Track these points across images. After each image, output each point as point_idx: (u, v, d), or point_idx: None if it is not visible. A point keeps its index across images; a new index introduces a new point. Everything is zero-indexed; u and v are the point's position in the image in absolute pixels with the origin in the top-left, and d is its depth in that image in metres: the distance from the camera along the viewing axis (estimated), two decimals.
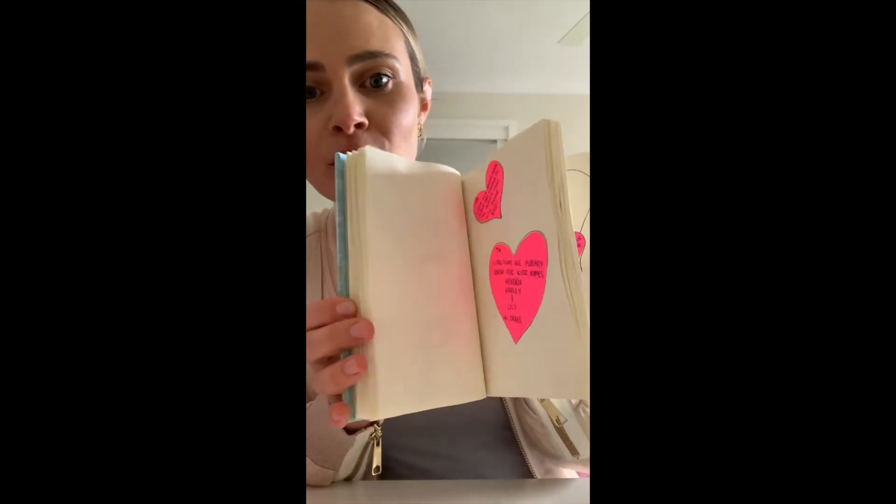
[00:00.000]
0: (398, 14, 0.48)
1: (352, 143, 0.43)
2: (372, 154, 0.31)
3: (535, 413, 0.48)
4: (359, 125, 0.43)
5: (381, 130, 0.45)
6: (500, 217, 0.32)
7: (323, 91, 0.44)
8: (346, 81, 0.43)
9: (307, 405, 0.43)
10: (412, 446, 0.51)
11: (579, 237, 0.32)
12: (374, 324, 0.29)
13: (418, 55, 0.51)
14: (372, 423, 0.43)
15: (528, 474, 0.51)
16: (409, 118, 0.46)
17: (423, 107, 0.53)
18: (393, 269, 0.31)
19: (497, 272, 0.32)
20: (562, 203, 0.27)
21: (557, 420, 0.46)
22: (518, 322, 0.30)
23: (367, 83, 0.44)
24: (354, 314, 0.29)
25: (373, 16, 0.45)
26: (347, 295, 0.30)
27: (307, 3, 0.43)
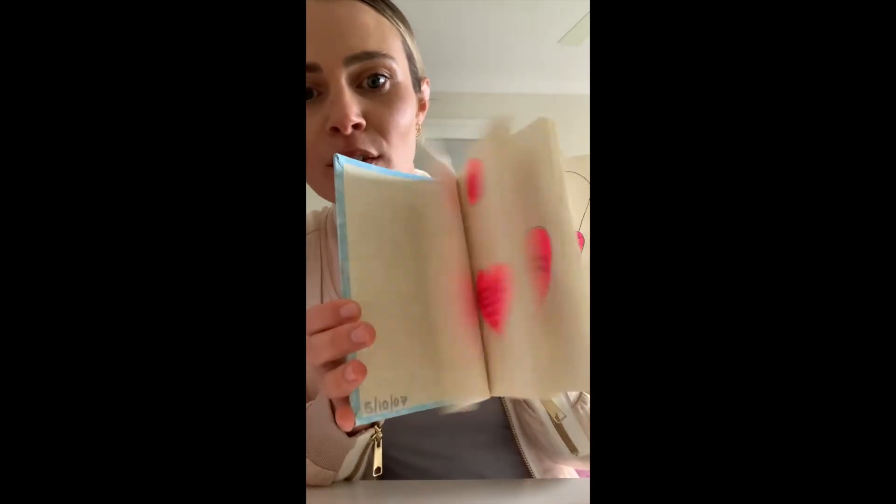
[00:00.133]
0: (395, 14, 0.48)
1: (349, 144, 0.43)
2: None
3: (534, 411, 0.48)
4: (356, 126, 0.43)
5: (378, 131, 0.44)
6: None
7: (320, 92, 0.44)
8: (344, 82, 0.43)
9: (307, 405, 0.43)
10: (411, 445, 0.51)
11: (579, 235, 0.32)
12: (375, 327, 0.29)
13: (416, 55, 0.51)
14: (373, 424, 0.43)
15: (527, 474, 0.51)
16: (406, 118, 0.46)
17: (422, 107, 0.53)
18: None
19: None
20: (562, 197, 0.28)
21: (556, 417, 0.46)
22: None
23: (365, 84, 0.44)
24: (357, 316, 0.29)
25: (369, 16, 0.45)
26: (350, 297, 0.30)
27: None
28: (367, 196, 0.32)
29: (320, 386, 0.30)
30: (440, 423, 0.50)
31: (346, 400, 0.29)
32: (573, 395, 0.46)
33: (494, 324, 0.32)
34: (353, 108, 0.42)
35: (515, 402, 0.50)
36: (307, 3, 0.43)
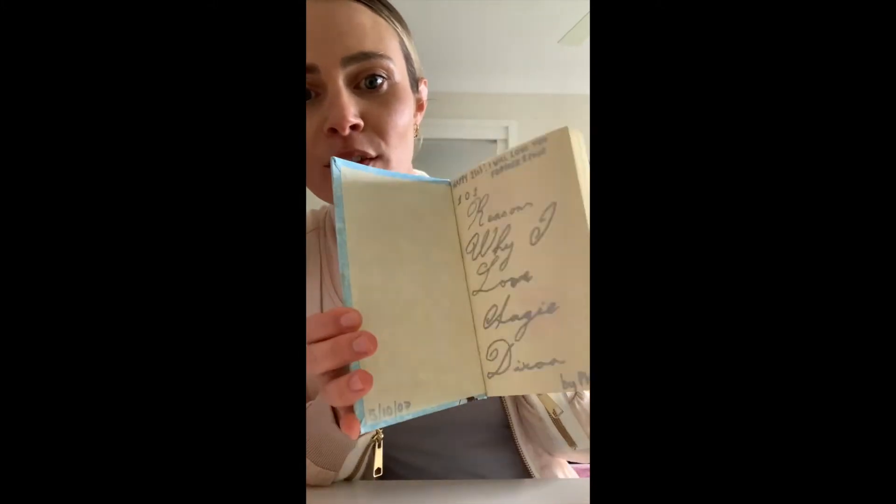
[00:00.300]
0: (392, 14, 0.48)
1: (348, 145, 0.43)
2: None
3: (532, 407, 0.48)
4: (354, 127, 0.43)
5: (376, 132, 0.44)
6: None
7: (318, 93, 0.44)
8: (341, 83, 0.43)
9: (307, 405, 0.43)
10: (411, 445, 0.51)
11: None
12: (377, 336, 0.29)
13: (413, 55, 0.51)
14: None
15: (526, 473, 0.51)
16: (404, 119, 0.46)
17: (419, 107, 0.53)
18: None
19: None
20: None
21: (554, 412, 0.46)
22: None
23: (362, 84, 0.44)
24: (358, 325, 0.29)
25: (366, 16, 0.45)
26: (351, 304, 0.29)
27: None
28: (365, 199, 0.32)
29: (322, 394, 0.29)
30: (440, 423, 0.50)
31: (349, 408, 0.29)
32: (569, 392, 0.46)
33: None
34: (351, 109, 0.42)
35: (515, 400, 0.50)
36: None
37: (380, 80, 0.45)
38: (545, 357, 0.29)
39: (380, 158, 0.45)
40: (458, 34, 2.38)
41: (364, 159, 0.44)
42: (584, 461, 0.52)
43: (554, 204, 0.29)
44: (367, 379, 0.27)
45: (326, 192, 0.46)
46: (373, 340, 0.28)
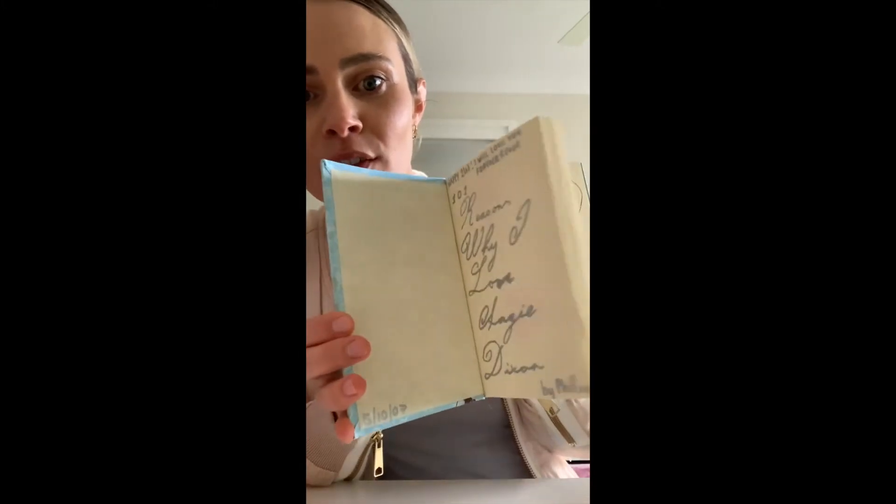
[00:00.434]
0: (391, 15, 0.48)
1: (346, 146, 0.43)
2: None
3: (531, 406, 0.49)
4: (353, 128, 0.43)
5: (375, 133, 0.44)
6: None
7: (316, 94, 0.44)
8: (340, 84, 0.43)
9: (307, 405, 0.43)
10: (411, 445, 0.51)
11: None
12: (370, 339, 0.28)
13: (412, 56, 0.51)
14: None
15: (526, 473, 0.51)
16: (403, 120, 0.46)
17: (418, 108, 0.53)
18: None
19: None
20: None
21: (551, 410, 0.47)
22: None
23: (361, 86, 0.44)
24: (351, 330, 0.28)
25: (365, 18, 0.45)
26: (344, 308, 0.29)
27: None
28: (357, 201, 0.31)
29: (317, 398, 0.29)
30: (440, 423, 0.50)
31: (344, 412, 0.28)
32: (549, 397, 0.46)
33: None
34: (350, 111, 0.42)
35: (516, 399, 0.50)
36: None
37: (378, 82, 0.45)
38: (527, 361, 0.28)
39: (378, 160, 0.45)
40: (458, 34, 2.38)
41: (363, 160, 0.44)
42: (583, 458, 0.52)
43: (528, 201, 0.28)
44: (361, 383, 0.27)
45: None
46: (366, 345, 0.28)
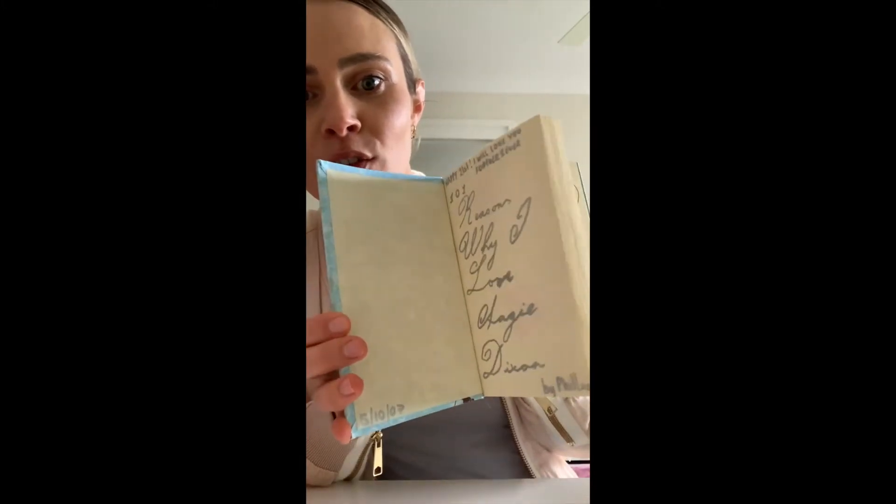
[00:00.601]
0: (389, 16, 0.48)
1: (345, 146, 0.43)
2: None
3: (529, 406, 0.49)
4: (351, 128, 0.43)
5: (373, 133, 0.44)
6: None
7: (315, 94, 0.44)
8: (338, 84, 0.43)
9: (307, 405, 0.43)
10: (411, 445, 0.51)
11: None
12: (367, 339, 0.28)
13: (410, 56, 0.51)
14: None
15: (526, 473, 0.51)
16: (401, 120, 0.46)
17: (417, 108, 0.53)
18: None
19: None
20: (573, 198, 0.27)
21: (549, 409, 0.47)
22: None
23: (360, 85, 0.44)
24: (347, 331, 0.28)
25: (364, 18, 0.45)
26: (340, 308, 0.29)
27: None
28: (353, 201, 0.31)
29: (314, 398, 0.29)
30: (440, 423, 0.50)
31: (341, 412, 0.28)
32: (550, 396, 0.47)
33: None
34: (349, 110, 0.42)
35: (515, 399, 0.50)
36: None
37: (377, 82, 0.45)
38: (528, 360, 0.28)
39: (376, 160, 0.45)
40: (458, 34, 2.38)
41: (361, 160, 0.44)
42: (582, 457, 0.52)
43: (529, 199, 0.28)
44: (358, 383, 0.27)
45: None
46: (362, 345, 0.28)
